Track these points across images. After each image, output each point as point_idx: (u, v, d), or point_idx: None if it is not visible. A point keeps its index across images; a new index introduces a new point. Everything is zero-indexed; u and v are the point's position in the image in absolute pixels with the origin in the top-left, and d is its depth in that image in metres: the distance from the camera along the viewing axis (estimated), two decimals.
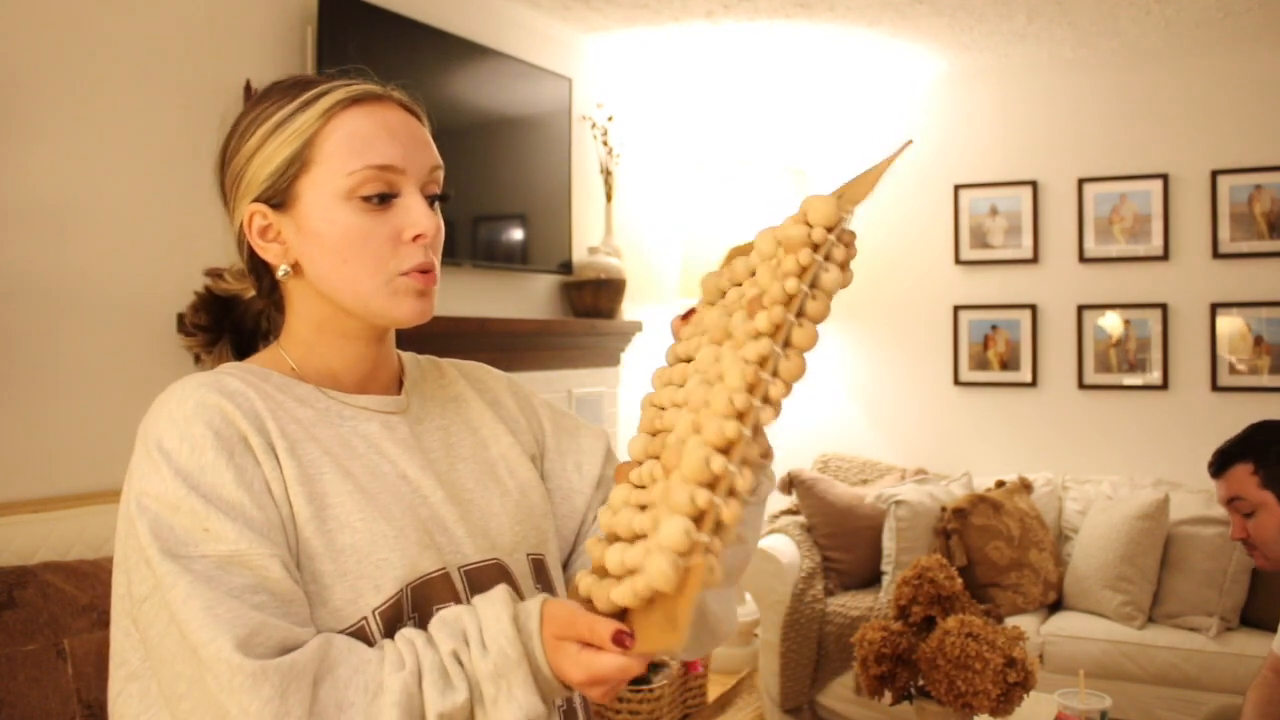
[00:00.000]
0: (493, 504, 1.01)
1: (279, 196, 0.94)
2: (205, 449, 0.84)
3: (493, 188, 3.27)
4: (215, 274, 1.06)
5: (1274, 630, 2.25)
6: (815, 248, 0.80)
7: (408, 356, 1.08)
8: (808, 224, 0.81)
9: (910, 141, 0.88)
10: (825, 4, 3.45)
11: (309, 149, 0.92)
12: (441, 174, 0.97)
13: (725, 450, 0.75)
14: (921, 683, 1.73)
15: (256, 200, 0.95)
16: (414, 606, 0.89)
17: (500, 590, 0.86)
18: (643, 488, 0.80)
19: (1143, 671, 3.26)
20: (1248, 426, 2.03)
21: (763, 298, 0.79)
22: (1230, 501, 1.99)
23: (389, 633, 0.87)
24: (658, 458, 0.80)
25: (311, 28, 2.69)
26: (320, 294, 0.95)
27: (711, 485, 0.74)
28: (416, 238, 0.92)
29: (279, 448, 0.88)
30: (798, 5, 3.47)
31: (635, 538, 0.78)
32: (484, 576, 0.95)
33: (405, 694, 0.79)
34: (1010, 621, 2.62)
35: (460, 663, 0.82)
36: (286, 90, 0.95)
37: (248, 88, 2.47)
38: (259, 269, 1.00)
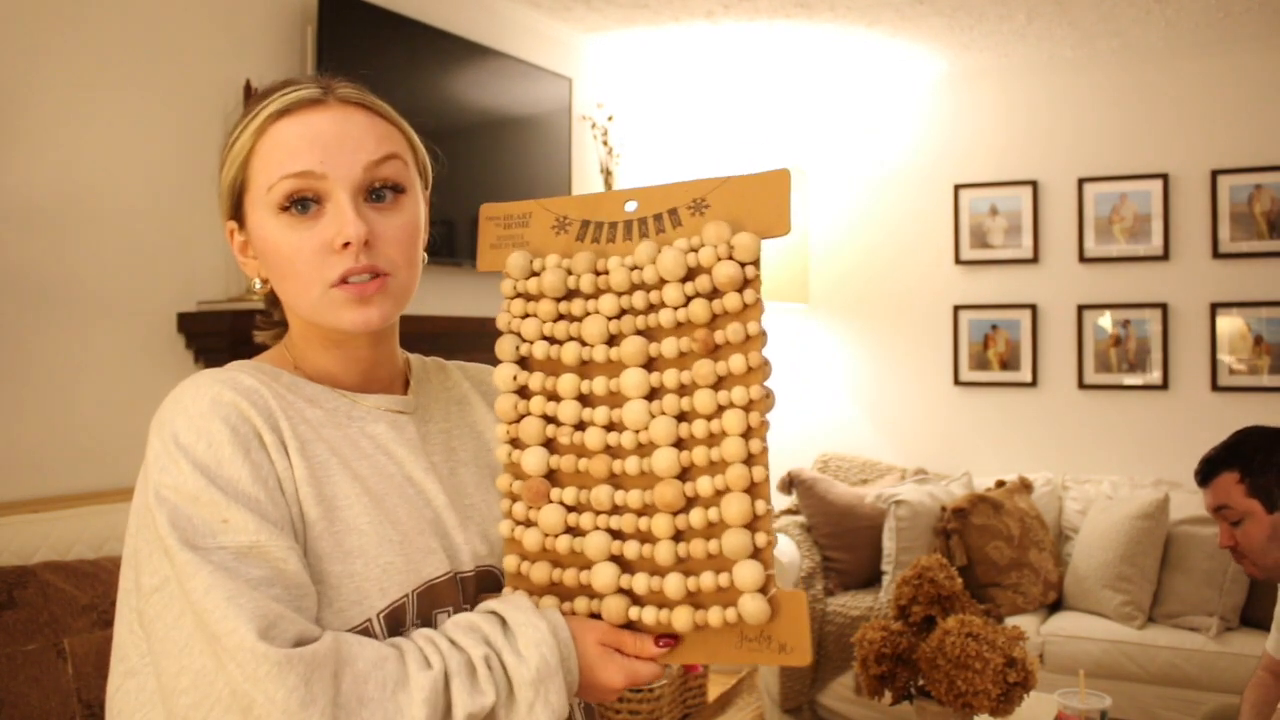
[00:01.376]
0: (493, 508, 1.01)
1: (237, 215, 0.96)
2: (222, 444, 0.85)
3: (493, 188, 3.27)
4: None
5: None
6: (749, 286, 0.88)
7: (414, 358, 1.08)
8: (738, 261, 0.88)
9: (788, 170, 0.91)
10: (825, 4, 3.45)
11: (245, 168, 0.93)
12: (395, 166, 0.93)
13: (753, 492, 0.86)
14: (921, 683, 1.73)
15: (230, 219, 0.97)
16: (418, 611, 0.89)
17: (522, 598, 0.90)
18: (574, 509, 0.91)
19: (1143, 671, 3.26)
20: (1233, 433, 2.01)
21: (713, 333, 0.88)
22: (1217, 510, 1.97)
23: (392, 635, 0.87)
24: (582, 475, 0.92)
25: (311, 28, 2.69)
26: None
27: (754, 526, 0.86)
28: (345, 245, 0.89)
29: (291, 447, 0.88)
30: (798, 5, 3.46)
31: (640, 563, 0.89)
32: (477, 584, 0.96)
33: (434, 691, 0.80)
34: (1010, 621, 2.62)
35: (490, 667, 0.84)
36: (250, 104, 0.95)
37: (248, 88, 2.47)
38: None
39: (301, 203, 0.90)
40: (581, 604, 0.91)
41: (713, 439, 0.87)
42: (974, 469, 4.07)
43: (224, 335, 2.31)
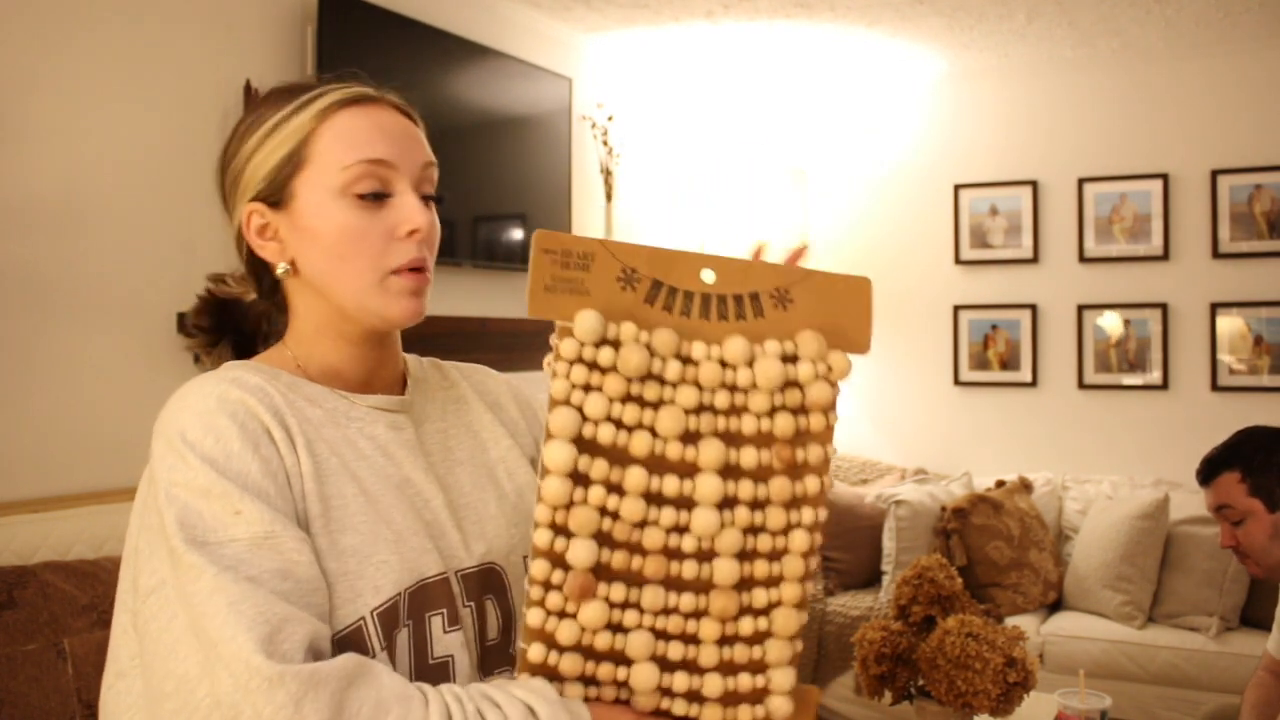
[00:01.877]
0: (489, 506, 1.01)
1: (276, 195, 0.95)
2: (230, 439, 0.85)
3: (493, 188, 3.27)
4: (218, 278, 1.07)
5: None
6: (833, 409, 0.87)
7: (411, 358, 1.08)
8: (830, 382, 0.86)
9: (869, 281, 0.89)
10: (825, 4, 3.45)
11: (304, 147, 0.93)
12: (435, 173, 0.98)
13: (802, 606, 0.87)
14: (921, 683, 1.73)
15: (254, 200, 0.96)
16: (410, 611, 0.89)
17: (547, 688, 0.83)
18: (620, 605, 0.85)
19: (1143, 671, 3.26)
20: (1235, 433, 2.01)
21: (796, 452, 0.86)
22: (1218, 509, 1.97)
23: (386, 634, 0.87)
24: (631, 573, 0.85)
25: (311, 28, 2.69)
26: (318, 294, 0.96)
27: (796, 635, 0.87)
28: (411, 233, 0.93)
29: (298, 443, 0.88)
30: (798, 5, 3.46)
31: (684, 662, 0.87)
32: (479, 581, 0.96)
33: None
34: (1010, 621, 2.62)
35: None
36: (284, 94, 0.96)
37: (248, 88, 2.47)
38: (259, 269, 1.02)
39: (376, 193, 0.92)
40: (609, 691, 0.86)
41: (774, 555, 0.86)
42: (974, 469, 4.07)
43: None
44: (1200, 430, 3.80)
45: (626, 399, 0.83)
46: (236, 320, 1.07)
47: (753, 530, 0.85)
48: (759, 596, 0.86)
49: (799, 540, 0.85)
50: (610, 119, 3.82)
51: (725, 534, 0.84)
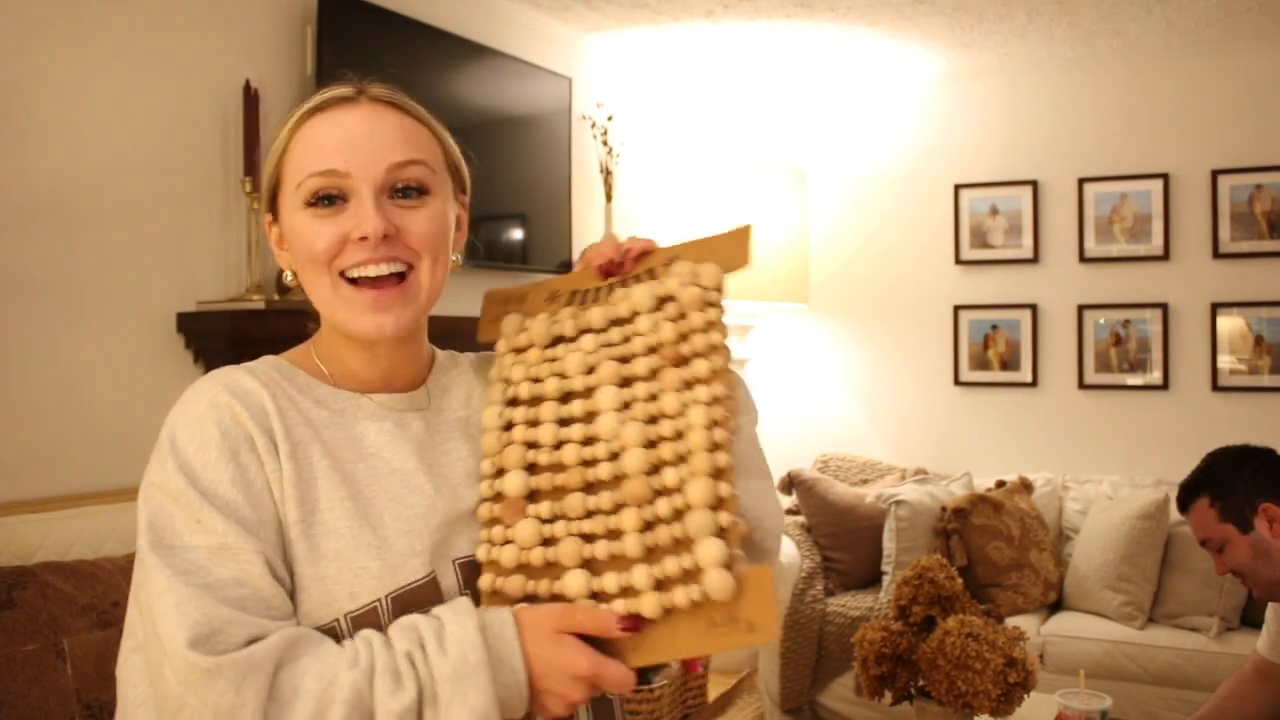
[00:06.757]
0: None
1: (273, 209, 1.00)
2: (210, 447, 0.89)
3: (493, 188, 3.27)
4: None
5: None
6: (711, 306, 0.96)
7: (441, 353, 1.09)
8: (700, 286, 0.97)
9: (751, 226, 1.02)
10: (826, 4, 3.45)
11: (281, 164, 0.97)
12: (417, 170, 0.95)
13: (719, 476, 0.89)
14: (922, 683, 1.73)
15: (268, 212, 1.01)
16: (394, 616, 0.90)
17: (463, 601, 0.89)
18: (550, 520, 0.93)
19: (1143, 672, 3.26)
20: (1205, 456, 2.00)
21: (679, 347, 0.95)
22: (1203, 544, 1.96)
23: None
24: (556, 489, 0.95)
25: (311, 28, 2.69)
26: None
27: (718, 507, 0.88)
28: (361, 240, 0.92)
29: (282, 450, 0.91)
30: (798, 5, 3.46)
31: (613, 560, 0.91)
32: (477, 569, 0.97)
33: (355, 691, 0.81)
34: (1010, 621, 2.62)
35: (414, 664, 0.83)
36: (293, 107, 1.00)
37: (248, 88, 2.47)
38: None
39: (327, 199, 0.94)
40: (545, 585, 0.91)
41: (679, 436, 0.90)
42: (974, 469, 4.06)
43: (223, 335, 2.31)
44: (1200, 430, 3.81)
45: (543, 364, 0.99)
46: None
47: (652, 420, 0.93)
48: (670, 476, 0.90)
49: (697, 414, 0.90)
50: (610, 119, 3.82)
51: (627, 428, 0.92)
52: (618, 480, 0.91)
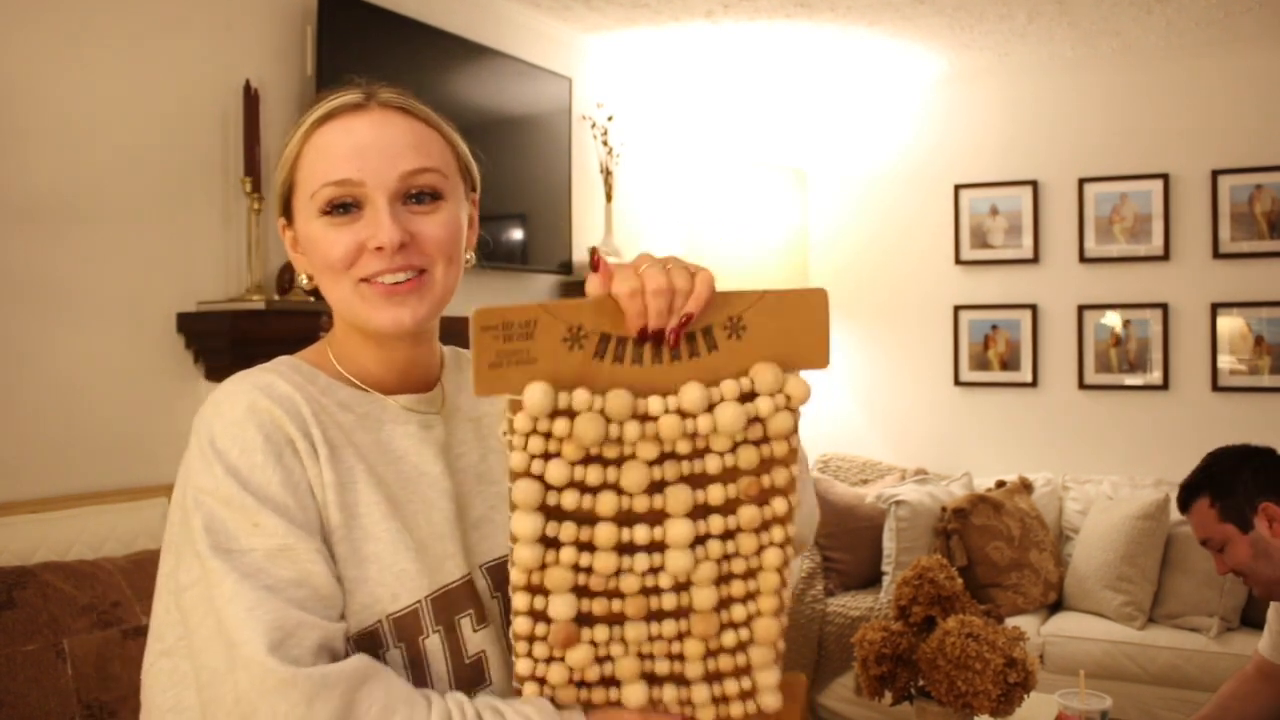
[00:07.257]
0: None
1: (286, 213, 1.01)
2: (255, 450, 0.89)
3: (493, 188, 3.25)
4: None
5: None
6: (795, 432, 0.86)
7: (449, 350, 1.09)
8: (790, 410, 0.85)
9: (825, 291, 0.88)
10: (826, 4, 3.45)
11: (294, 171, 0.98)
12: (430, 177, 0.97)
13: (780, 612, 0.89)
14: (922, 683, 1.73)
15: (281, 216, 1.02)
16: (437, 617, 0.92)
17: (544, 703, 0.87)
18: (603, 643, 0.86)
19: (1143, 672, 3.26)
20: (1205, 456, 2.00)
21: (761, 481, 0.85)
22: (1203, 544, 1.97)
23: (403, 636, 0.90)
24: (612, 614, 0.86)
25: (311, 28, 2.69)
26: None
27: (778, 640, 0.89)
28: (378, 249, 0.93)
29: (321, 454, 0.91)
30: (798, 5, 3.46)
31: (670, 677, 0.89)
32: (506, 571, 0.97)
33: None
34: (1011, 622, 2.61)
35: None
36: (304, 113, 1.01)
37: (248, 87, 2.47)
38: None
39: (342, 206, 0.94)
40: (600, 694, 0.89)
41: (749, 574, 0.88)
42: (974, 469, 4.06)
43: (223, 335, 2.31)
44: (1200, 430, 3.80)
45: (588, 460, 0.82)
46: None
47: (726, 558, 0.86)
48: (738, 612, 0.88)
49: (772, 557, 0.87)
50: (610, 119, 3.82)
51: (700, 568, 0.85)
52: (681, 610, 0.87)
